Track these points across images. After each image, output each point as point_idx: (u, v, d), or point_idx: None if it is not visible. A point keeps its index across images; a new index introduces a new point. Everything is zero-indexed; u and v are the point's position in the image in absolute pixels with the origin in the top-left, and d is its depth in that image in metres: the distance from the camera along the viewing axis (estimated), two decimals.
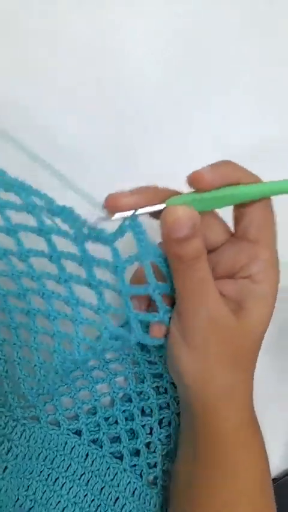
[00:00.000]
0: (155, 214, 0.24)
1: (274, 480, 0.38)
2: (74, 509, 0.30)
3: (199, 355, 0.25)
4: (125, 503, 0.31)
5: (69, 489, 0.31)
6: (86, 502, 0.31)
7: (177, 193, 0.25)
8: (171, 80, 0.39)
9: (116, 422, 0.33)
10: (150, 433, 0.34)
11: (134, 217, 0.23)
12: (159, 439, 0.33)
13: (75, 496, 0.31)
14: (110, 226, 0.23)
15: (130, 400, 0.34)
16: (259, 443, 0.28)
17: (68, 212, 0.22)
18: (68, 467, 0.31)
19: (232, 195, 0.24)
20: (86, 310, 0.26)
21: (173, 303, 0.26)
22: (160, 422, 0.34)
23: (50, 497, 0.30)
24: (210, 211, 0.26)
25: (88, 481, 0.31)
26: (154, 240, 0.25)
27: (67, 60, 0.37)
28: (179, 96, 0.39)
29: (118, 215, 0.23)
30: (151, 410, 0.34)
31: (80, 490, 0.31)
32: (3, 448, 0.30)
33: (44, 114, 0.36)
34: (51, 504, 0.30)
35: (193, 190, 0.24)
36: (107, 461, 0.32)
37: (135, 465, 0.33)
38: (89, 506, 0.31)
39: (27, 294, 0.28)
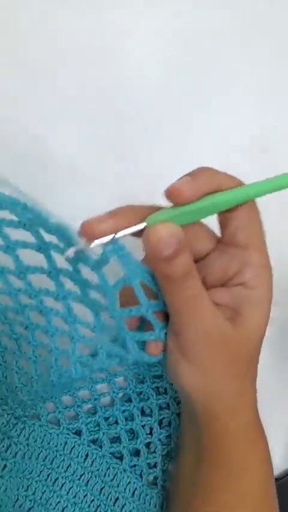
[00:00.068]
0: (137, 233, 0.23)
1: (274, 480, 0.38)
2: (74, 510, 0.30)
3: (200, 368, 0.25)
4: (125, 504, 0.31)
5: (69, 489, 0.31)
6: (86, 502, 0.31)
7: (155, 209, 0.24)
8: (171, 80, 0.39)
9: (116, 422, 0.33)
10: (150, 433, 0.34)
11: (114, 240, 0.22)
12: (159, 439, 0.33)
13: (75, 496, 0.30)
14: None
15: (130, 400, 0.34)
16: (264, 445, 0.28)
17: (63, 230, 0.22)
18: (67, 468, 0.31)
19: (214, 203, 0.23)
20: (83, 327, 0.26)
21: (166, 316, 0.25)
22: (160, 422, 0.34)
23: (50, 498, 0.30)
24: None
25: (88, 481, 0.31)
26: (139, 259, 0.24)
27: (67, 60, 0.37)
28: (179, 96, 0.39)
29: (98, 241, 0.22)
30: (151, 411, 0.34)
31: (79, 490, 0.31)
32: (3, 446, 0.30)
33: (44, 114, 0.36)
34: (50, 504, 0.30)
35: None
36: (106, 462, 0.32)
37: (135, 465, 0.33)
38: (89, 506, 0.31)
39: (25, 310, 0.27)
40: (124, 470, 0.32)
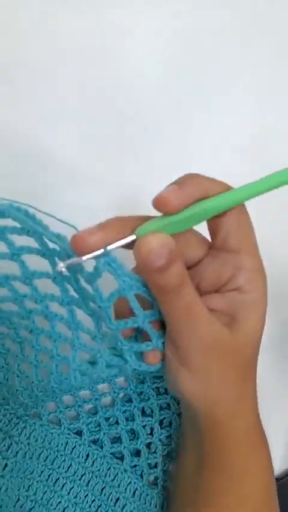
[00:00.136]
0: (127, 245, 0.23)
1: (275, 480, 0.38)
2: (75, 510, 0.30)
3: (199, 376, 0.25)
4: (126, 504, 0.31)
5: (70, 490, 0.31)
6: (87, 502, 0.31)
7: (144, 219, 0.23)
8: (171, 80, 0.39)
9: (117, 422, 0.33)
10: (151, 434, 0.34)
11: (106, 253, 0.22)
12: (159, 440, 0.33)
13: (75, 497, 0.31)
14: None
15: (131, 401, 0.34)
16: (265, 448, 0.28)
17: (61, 241, 0.22)
18: (68, 468, 0.31)
19: (204, 210, 0.23)
20: (85, 334, 0.26)
21: (163, 324, 0.25)
22: (161, 422, 0.34)
23: (51, 498, 0.30)
24: None
25: (89, 481, 0.31)
26: (131, 270, 0.24)
27: (67, 60, 0.37)
28: (179, 96, 0.39)
29: (89, 255, 0.22)
30: (151, 411, 0.34)
31: (80, 491, 0.31)
32: (4, 445, 0.30)
33: (44, 114, 0.36)
34: (51, 505, 0.30)
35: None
36: (107, 462, 0.32)
37: (135, 465, 0.33)
38: (90, 506, 0.31)
39: (31, 315, 0.27)
40: (125, 471, 0.32)
